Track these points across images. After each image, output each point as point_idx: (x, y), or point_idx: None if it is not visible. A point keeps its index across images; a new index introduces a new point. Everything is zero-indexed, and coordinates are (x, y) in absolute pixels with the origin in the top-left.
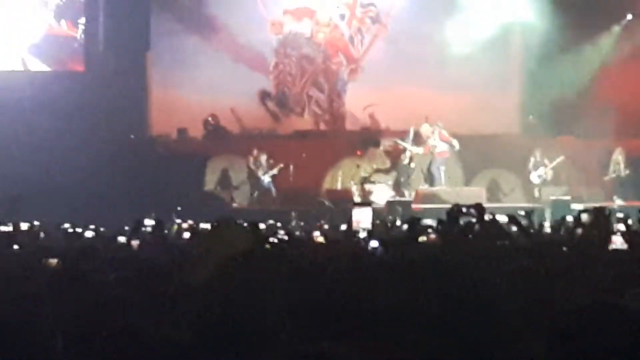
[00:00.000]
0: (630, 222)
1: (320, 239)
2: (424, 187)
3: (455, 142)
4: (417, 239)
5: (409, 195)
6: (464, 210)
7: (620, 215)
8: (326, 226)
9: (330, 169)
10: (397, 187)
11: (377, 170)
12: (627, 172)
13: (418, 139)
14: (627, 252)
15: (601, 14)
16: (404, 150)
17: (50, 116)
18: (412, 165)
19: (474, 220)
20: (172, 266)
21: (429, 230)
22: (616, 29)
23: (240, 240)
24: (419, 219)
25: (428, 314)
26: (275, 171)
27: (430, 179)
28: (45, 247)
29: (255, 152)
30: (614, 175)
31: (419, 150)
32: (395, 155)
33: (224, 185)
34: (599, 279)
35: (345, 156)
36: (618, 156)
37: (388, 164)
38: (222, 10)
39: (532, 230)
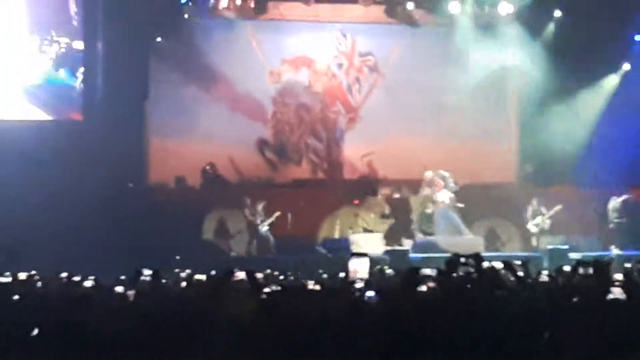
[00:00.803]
0: (628, 272)
1: (316, 287)
2: (422, 236)
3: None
4: (415, 288)
5: (407, 245)
6: (463, 260)
7: (626, 265)
8: (324, 275)
9: (328, 218)
10: (395, 236)
11: (376, 219)
12: (624, 220)
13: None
14: (625, 303)
15: (597, 62)
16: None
17: (48, 165)
18: (428, 210)
19: (472, 270)
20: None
21: (427, 279)
22: (613, 77)
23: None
24: (417, 269)
25: None
26: (272, 219)
27: (429, 227)
28: (43, 297)
29: (248, 201)
30: (614, 222)
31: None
32: (393, 203)
33: (222, 235)
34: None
35: (343, 205)
36: (614, 204)
37: (387, 213)
38: (221, 60)
39: (529, 280)
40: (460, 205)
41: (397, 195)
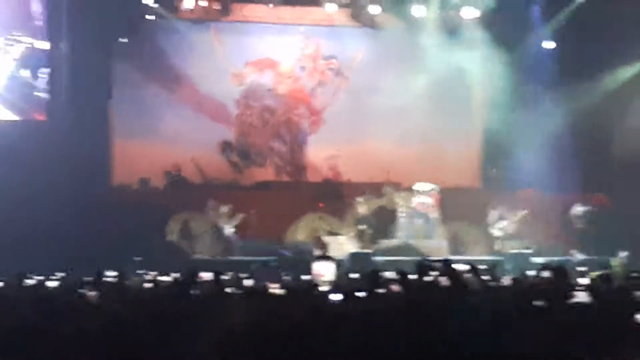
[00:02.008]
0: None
1: (279, 291)
2: (386, 240)
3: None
4: (378, 290)
5: (370, 248)
6: (433, 265)
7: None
8: (287, 277)
9: (293, 221)
10: (360, 239)
11: (339, 223)
12: (586, 226)
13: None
14: (588, 305)
15: (563, 69)
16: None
17: (11, 165)
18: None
19: (441, 274)
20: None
21: (391, 282)
22: (579, 84)
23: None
24: (379, 271)
25: None
26: (236, 222)
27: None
28: (4, 298)
29: (211, 203)
30: (577, 228)
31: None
32: (356, 207)
33: (186, 236)
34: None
35: (307, 208)
36: (578, 210)
37: (351, 216)
38: (185, 61)
39: (493, 284)
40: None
41: (375, 200)
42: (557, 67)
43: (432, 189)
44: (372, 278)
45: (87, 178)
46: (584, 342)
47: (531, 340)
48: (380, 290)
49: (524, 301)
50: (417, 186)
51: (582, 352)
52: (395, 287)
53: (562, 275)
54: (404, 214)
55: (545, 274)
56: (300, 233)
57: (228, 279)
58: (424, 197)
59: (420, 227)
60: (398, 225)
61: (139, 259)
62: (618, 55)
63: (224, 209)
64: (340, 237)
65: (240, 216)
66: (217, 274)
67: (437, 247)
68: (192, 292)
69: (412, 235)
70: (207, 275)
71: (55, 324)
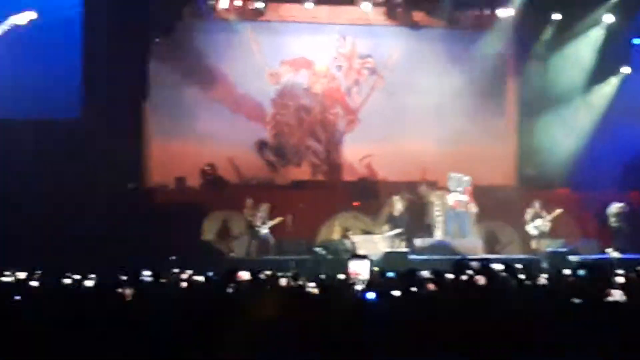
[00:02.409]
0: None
1: (315, 290)
2: (421, 238)
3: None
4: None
5: (406, 246)
6: (471, 264)
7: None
8: (322, 276)
9: (328, 219)
10: (395, 238)
11: (375, 221)
12: (623, 225)
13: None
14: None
15: (598, 66)
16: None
17: (49, 165)
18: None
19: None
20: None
21: (427, 281)
22: (613, 81)
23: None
24: (415, 271)
25: None
26: (273, 223)
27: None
28: (43, 296)
29: (249, 202)
30: (613, 226)
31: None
32: (392, 206)
33: (222, 235)
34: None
35: (343, 207)
36: (613, 209)
37: (386, 215)
38: (220, 61)
39: (528, 282)
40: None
41: (409, 196)
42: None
43: (466, 182)
44: (409, 277)
45: (124, 178)
46: (618, 341)
47: (567, 338)
48: (416, 290)
49: (561, 300)
50: (451, 177)
51: (616, 351)
52: (431, 286)
53: (599, 274)
54: (439, 213)
55: (582, 272)
56: (335, 232)
57: (265, 278)
58: (458, 195)
59: (456, 226)
60: (434, 223)
61: (174, 258)
62: None
63: (263, 208)
64: (375, 236)
65: (278, 219)
66: (255, 272)
67: (472, 246)
68: (229, 290)
69: (448, 233)
70: (244, 274)
71: (92, 322)
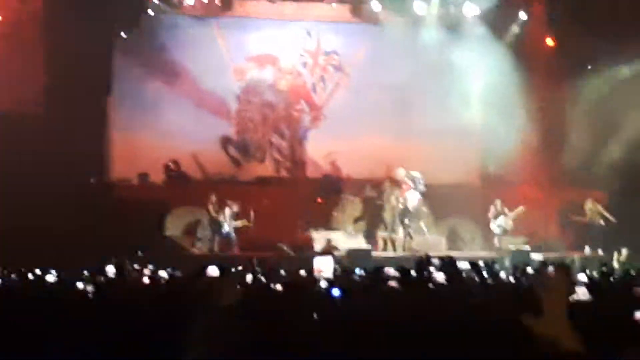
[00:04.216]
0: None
1: (279, 287)
2: (385, 235)
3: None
4: (380, 287)
5: (371, 243)
6: (434, 261)
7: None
8: (285, 273)
9: (291, 216)
10: (359, 234)
11: (339, 218)
12: (598, 222)
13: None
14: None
15: (562, 63)
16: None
17: (9, 159)
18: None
19: (444, 271)
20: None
21: (392, 279)
22: (578, 80)
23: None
24: (381, 268)
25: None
26: (238, 224)
27: (393, 225)
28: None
29: (213, 197)
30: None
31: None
32: (355, 203)
33: (185, 231)
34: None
35: (306, 203)
36: (593, 205)
37: (350, 212)
38: (185, 56)
39: (491, 282)
40: (425, 210)
41: (370, 194)
42: (557, 63)
43: (420, 179)
44: (374, 275)
45: (86, 172)
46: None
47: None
48: (381, 287)
49: (524, 298)
50: (408, 175)
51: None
52: (393, 284)
53: (564, 272)
54: (400, 209)
55: (548, 270)
56: (299, 228)
57: (235, 274)
58: (416, 192)
59: (415, 222)
60: (396, 220)
61: (140, 254)
62: (618, 52)
63: (232, 206)
64: (338, 232)
65: (243, 220)
66: (224, 269)
67: (435, 243)
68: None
69: (409, 230)
70: (213, 271)
71: (55, 318)
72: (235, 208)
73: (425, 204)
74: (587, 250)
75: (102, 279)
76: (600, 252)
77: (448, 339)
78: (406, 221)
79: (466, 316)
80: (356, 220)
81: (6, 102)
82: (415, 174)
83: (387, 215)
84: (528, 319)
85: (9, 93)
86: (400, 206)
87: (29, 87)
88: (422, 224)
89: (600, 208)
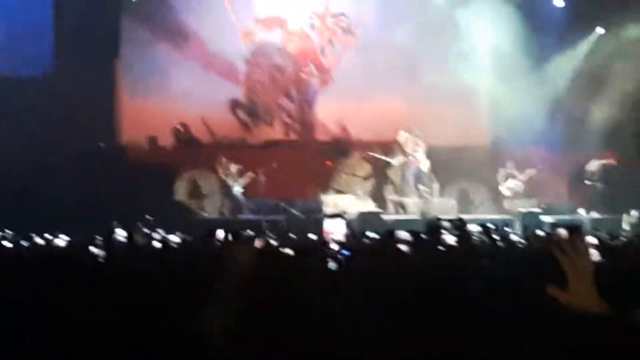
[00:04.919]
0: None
1: (289, 251)
2: (395, 198)
3: (426, 162)
4: (392, 249)
5: (380, 206)
6: (445, 224)
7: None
8: (293, 236)
9: (301, 179)
10: (369, 197)
11: (349, 180)
12: (600, 184)
13: (396, 149)
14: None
15: (571, 27)
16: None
17: (18, 122)
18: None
19: (454, 234)
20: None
21: (403, 242)
22: (586, 41)
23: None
24: (393, 231)
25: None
26: (245, 180)
27: (402, 188)
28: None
29: (223, 160)
30: (589, 185)
31: (397, 160)
32: (366, 165)
33: (194, 195)
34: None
35: (316, 166)
36: (588, 168)
37: (360, 174)
38: (193, 19)
39: (502, 244)
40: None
41: (377, 155)
42: (567, 26)
43: (417, 136)
44: (385, 237)
45: (95, 136)
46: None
47: (542, 301)
48: (391, 250)
49: (535, 261)
50: (414, 136)
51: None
52: (403, 247)
53: (577, 234)
54: (411, 172)
55: (561, 232)
56: (308, 191)
57: (247, 238)
58: (421, 153)
59: (427, 185)
60: (407, 183)
61: (150, 218)
62: (627, 12)
63: (234, 168)
64: (349, 195)
65: (249, 175)
66: (236, 232)
67: (446, 206)
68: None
69: (421, 193)
70: (222, 233)
71: (65, 283)
72: (235, 168)
73: (435, 167)
74: (596, 212)
75: (113, 243)
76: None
77: (458, 301)
78: (418, 184)
79: (476, 277)
80: (366, 183)
81: (16, 66)
82: (417, 132)
83: (396, 178)
84: (553, 288)
85: (19, 57)
86: (411, 169)
87: (39, 51)
88: (434, 187)
89: (595, 169)
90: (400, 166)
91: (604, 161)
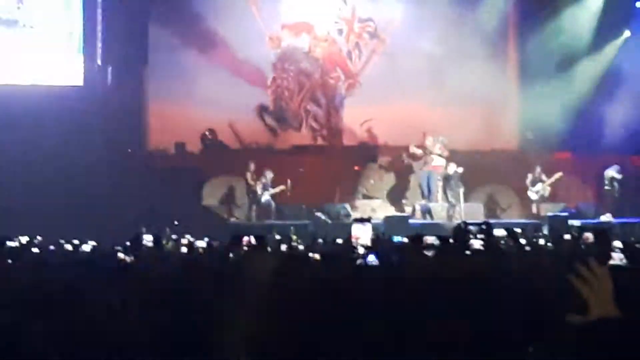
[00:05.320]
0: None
1: (317, 256)
2: (422, 202)
3: (452, 166)
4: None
5: (407, 211)
6: (472, 228)
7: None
8: (320, 241)
9: (328, 184)
10: (395, 202)
11: (376, 186)
12: (620, 188)
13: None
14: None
15: (598, 30)
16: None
17: (48, 130)
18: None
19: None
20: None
21: (431, 247)
22: (614, 44)
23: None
24: (421, 236)
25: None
26: (276, 190)
27: (426, 193)
28: (42, 261)
29: (252, 166)
30: (609, 189)
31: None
32: (393, 170)
33: (222, 200)
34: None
35: (343, 171)
36: (612, 172)
37: (386, 179)
38: (221, 25)
39: (529, 248)
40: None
41: (404, 161)
42: (595, 27)
43: (441, 141)
44: (414, 242)
45: (123, 143)
46: (622, 305)
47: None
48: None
49: (563, 265)
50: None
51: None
52: (428, 253)
53: (603, 238)
54: (439, 177)
55: (588, 236)
56: (336, 196)
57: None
58: (438, 158)
59: (454, 189)
60: (433, 187)
61: (177, 223)
62: None
63: (267, 175)
64: (376, 200)
65: (280, 187)
66: (257, 238)
67: (474, 210)
68: (231, 255)
69: (449, 197)
70: (250, 239)
71: (93, 288)
72: (270, 175)
73: (463, 171)
74: (614, 217)
75: (140, 248)
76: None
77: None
78: (447, 189)
79: (503, 282)
80: (393, 188)
81: (47, 76)
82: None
83: (423, 183)
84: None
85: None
86: (436, 174)
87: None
88: (460, 192)
89: (613, 174)
90: (425, 171)
91: (621, 169)
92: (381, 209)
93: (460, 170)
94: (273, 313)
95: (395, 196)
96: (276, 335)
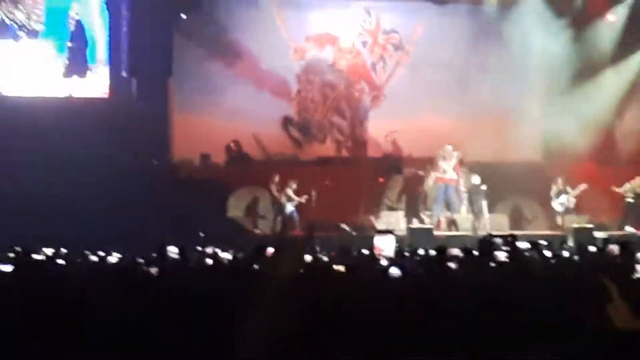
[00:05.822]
0: None
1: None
2: (447, 214)
3: (476, 178)
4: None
5: (430, 223)
6: (497, 240)
7: None
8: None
9: (353, 196)
10: (418, 213)
11: (400, 197)
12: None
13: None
14: None
15: (623, 40)
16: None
17: (74, 141)
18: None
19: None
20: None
21: (454, 259)
22: (638, 55)
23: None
24: (445, 248)
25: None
26: (300, 200)
27: (442, 205)
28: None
29: (276, 178)
30: (631, 201)
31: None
32: (417, 182)
33: (247, 212)
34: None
35: (368, 183)
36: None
37: (410, 191)
38: (245, 37)
39: (553, 260)
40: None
41: (421, 173)
42: (618, 39)
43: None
44: (437, 254)
45: (149, 154)
46: None
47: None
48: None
49: (588, 278)
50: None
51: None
52: (452, 265)
53: (627, 250)
54: (464, 189)
55: (613, 248)
56: (360, 208)
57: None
58: (452, 172)
59: (479, 201)
60: (459, 199)
61: (202, 235)
62: None
63: (292, 185)
64: (400, 212)
65: (304, 196)
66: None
67: (498, 222)
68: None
69: (474, 209)
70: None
71: (119, 299)
72: (294, 186)
73: (485, 183)
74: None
75: (166, 259)
76: None
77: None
78: (471, 201)
79: (528, 295)
80: (417, 199)
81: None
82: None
83: (448, 195)
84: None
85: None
86: (462, 186)
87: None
88: (483, 204)
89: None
90: (442, 184)
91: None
92: (405, 220)
93: (478, 181)
94: (294, 322)
95: (412, 208)
96: (298, 345)
